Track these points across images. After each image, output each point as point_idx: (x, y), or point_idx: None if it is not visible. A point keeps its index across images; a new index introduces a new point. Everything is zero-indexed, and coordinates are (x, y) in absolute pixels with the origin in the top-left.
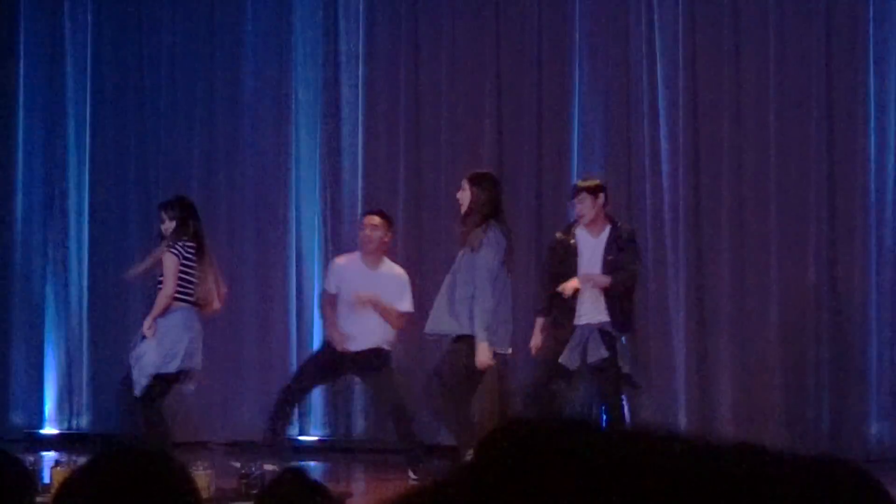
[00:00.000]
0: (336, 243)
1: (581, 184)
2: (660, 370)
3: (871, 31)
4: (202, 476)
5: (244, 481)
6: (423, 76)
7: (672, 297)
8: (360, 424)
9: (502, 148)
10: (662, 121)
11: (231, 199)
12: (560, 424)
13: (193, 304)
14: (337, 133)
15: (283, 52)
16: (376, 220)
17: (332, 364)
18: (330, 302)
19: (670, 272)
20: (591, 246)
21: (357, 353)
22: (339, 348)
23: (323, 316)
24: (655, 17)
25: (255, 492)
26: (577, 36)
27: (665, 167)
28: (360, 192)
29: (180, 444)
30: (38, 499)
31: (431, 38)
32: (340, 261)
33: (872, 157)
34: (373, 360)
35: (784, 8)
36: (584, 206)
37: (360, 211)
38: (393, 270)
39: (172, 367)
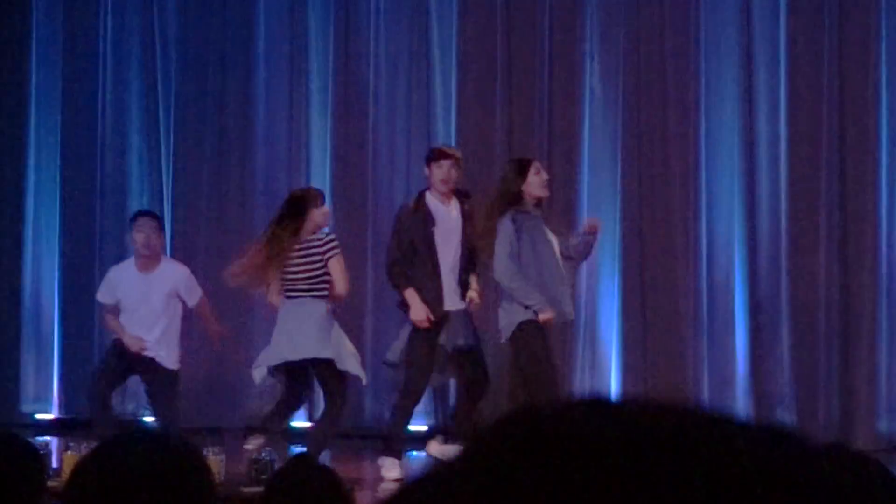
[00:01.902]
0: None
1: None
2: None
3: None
4: (213, 461)
5: (255, 466)
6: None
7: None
8: (369, 411)
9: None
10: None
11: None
12: (569, 406)
13: (303, 296)
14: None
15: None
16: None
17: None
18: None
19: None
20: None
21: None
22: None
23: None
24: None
25: (265, 477)
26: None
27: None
28: None
29: (194, 429)
30: (49, 483)
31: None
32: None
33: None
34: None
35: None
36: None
37: None
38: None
39: (275, 360)
